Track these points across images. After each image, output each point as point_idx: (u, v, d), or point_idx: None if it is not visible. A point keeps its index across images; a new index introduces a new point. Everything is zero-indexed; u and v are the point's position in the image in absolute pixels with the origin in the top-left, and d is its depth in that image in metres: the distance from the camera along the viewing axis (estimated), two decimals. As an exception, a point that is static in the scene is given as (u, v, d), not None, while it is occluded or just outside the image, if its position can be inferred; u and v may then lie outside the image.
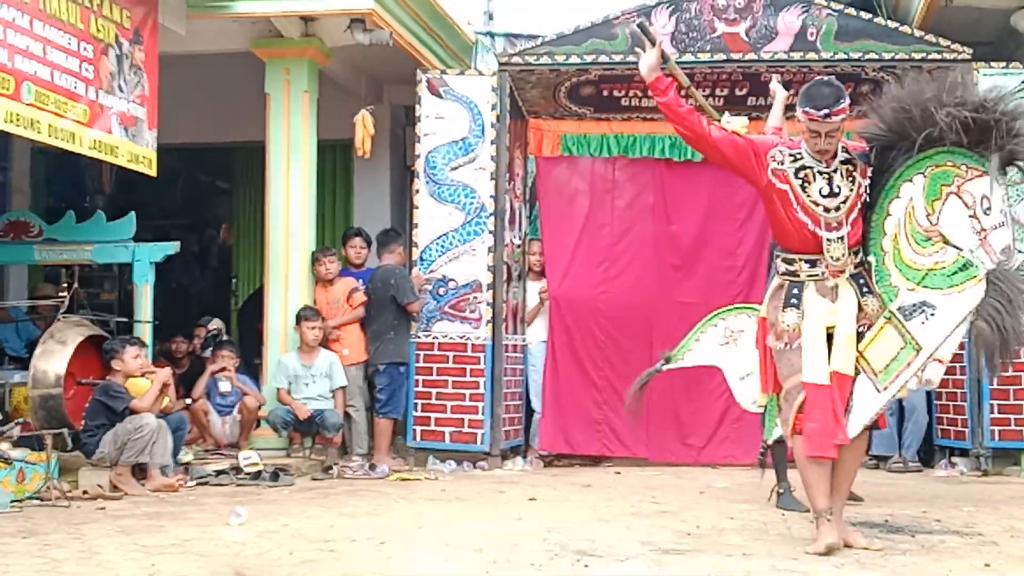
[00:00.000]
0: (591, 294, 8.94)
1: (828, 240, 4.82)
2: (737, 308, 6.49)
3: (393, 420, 8.29)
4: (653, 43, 5.10)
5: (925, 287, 4.71)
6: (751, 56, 8.26)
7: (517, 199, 8.85)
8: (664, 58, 5.12)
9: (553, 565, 4.43)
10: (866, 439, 5.03)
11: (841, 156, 4.89)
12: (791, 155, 4.90)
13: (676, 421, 8.74)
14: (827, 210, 4.83)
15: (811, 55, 8.19)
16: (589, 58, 8.33)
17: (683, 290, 8.86)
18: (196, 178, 12.58)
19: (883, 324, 4.77)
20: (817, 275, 4.86)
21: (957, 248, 4.66)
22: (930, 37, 8.18)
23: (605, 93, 8.75)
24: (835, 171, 4.86)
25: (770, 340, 4.99)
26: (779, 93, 5.89)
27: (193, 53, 8.69)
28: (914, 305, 4.72)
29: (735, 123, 5.12)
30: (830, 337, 4.77)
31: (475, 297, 8.34)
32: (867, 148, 4.95)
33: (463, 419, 8.21)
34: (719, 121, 5.17)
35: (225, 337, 9.60)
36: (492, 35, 10.96)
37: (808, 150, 4.89)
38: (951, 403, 8.29)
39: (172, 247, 8.19)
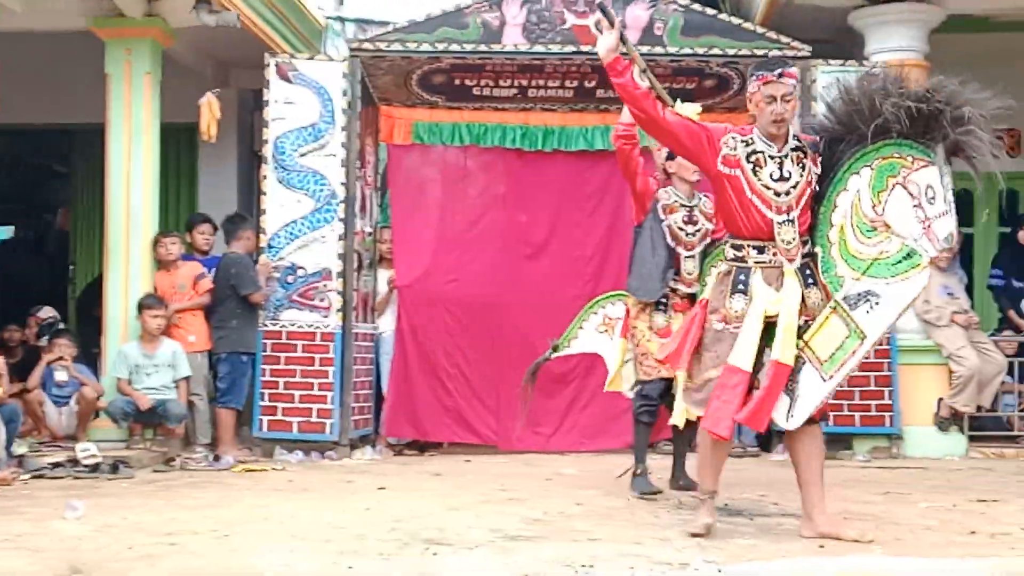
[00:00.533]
0: (441, 283, 8.93)
1: (779, 223, 4.85)
2: (616, 295, 6.66)
3: (234, 410, 8.14)
4: (612, 24, 5.05)
5: (870, 276, 4.77)
6: (600, 48, 8.34)
7: (368, 186, 8.78)
8: (622, 40, 5.09)
9: (402, 554, 4.42)
10: (819, 431, 5.00)
11: (792, 143, 4.93)
12: (742, 140, 4.94)
13: (530, 410, 8.78)
14: (777, 194, 4.86)
15: (658, 49, 8.34)
16: (441, 46, 8.31)
17: (534, 279, 8.93)
18: (31, 161, 12.11)
19: (828, 314, 4.80)
20: (764, 261, 4.88)
21: (901, 237, 4.72)
22: (771, 34, 8.42)
23: (457, 82, 8.74)
24: (786, 156, 4.90)
25: (714, 322, 4.93)
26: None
27: (29, 31, 8.35)
28: (859, 295, 4.77)
29: (688, 109, 5.17)
30: (769, 326, 4.80)
31: (325, 285, 8.23)
32: (817, 140, 5.00)
33: (311, 408, 8.11)
34: (672, 106, 5.19)
35: (62, 326, 9.29)
36: (343, 20, 10.84)
37: (760, 135, 4.93)
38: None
39: (6, 232, 7.87)
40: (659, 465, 6.81)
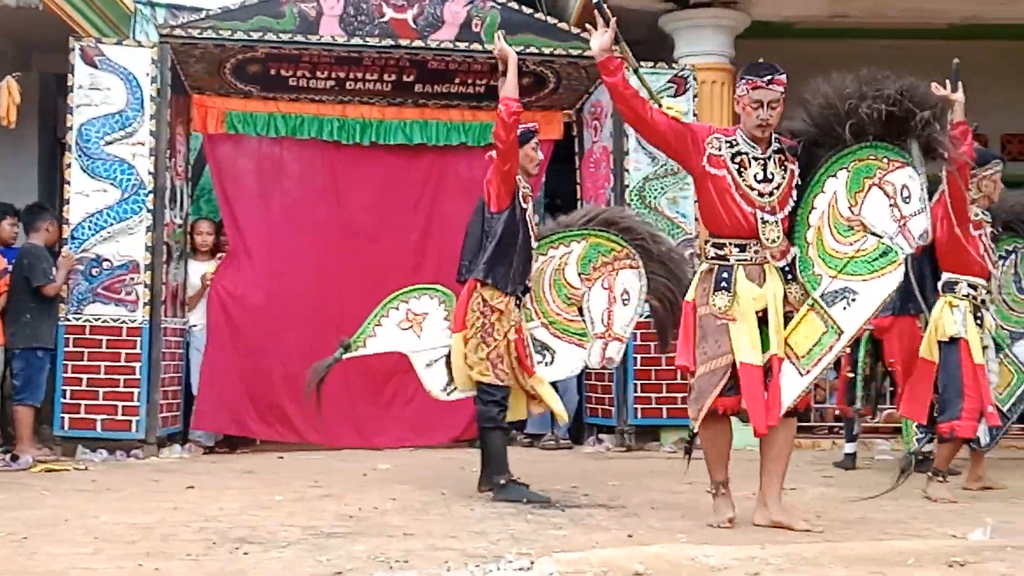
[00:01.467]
0: (260, 277, 8.76)
1: (764, 222, 4.93)
2: (420, 289, 6.36)
3: (31, 407, 7.79)
4: (607, 22, 5.06)
5: (847, 274, 4.88)
6: (418, 43, 8.35)
7: (179, 177, 8.53)
8: (616, 39, 5.10)
9: (211, 554, 4.32)
10: (793, 424, 5.10)
11: (774, 145, 5.02)
12: (727, 141, 5.00)
13: (349, 405, 8.72)
14: (761, 195, 4.95)
15: (475, 46, 8.39)
16: (255, 35, 8.15)
17: (356, 273, 8.84)
18: None
19: (806, 311, 4.92)
20: (746, 259, 4.96)
21: (878, 236, 4.86)
22: (585, 35, 8.56)
23: (272, 72, 8.59)
24: (769, 158, 4.98)
25: (697, 319, 4.99)
26: (511, 57, 6.01)
27: None
28: (836, 292, 4.89)
29: (674, 109, 5.17)
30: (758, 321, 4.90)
31: (132, 278, 7.97)
32: (796, 143, 5.09)
33: (117, 406, 7.83)
34: (660, 105, 5.19)
35: None
36: (153, 5, 10.49)
37: (743, 136, 5.00)
38: (599, 383, 8.76)
39: None
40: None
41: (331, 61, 8.50)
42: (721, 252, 5.00)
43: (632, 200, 8.58)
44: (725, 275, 4.95)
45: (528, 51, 8.44)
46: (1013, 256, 6.81)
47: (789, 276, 5.02)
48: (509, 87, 5.93)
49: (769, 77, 4.95)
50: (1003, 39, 11.00)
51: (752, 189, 4.96)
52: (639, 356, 8.49)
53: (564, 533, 4.79)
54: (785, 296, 4.98)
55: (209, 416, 8.49)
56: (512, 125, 5.88)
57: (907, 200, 4.85)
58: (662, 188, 8.65)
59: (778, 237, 4.96)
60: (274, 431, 8.66)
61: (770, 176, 4.98)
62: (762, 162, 4.98)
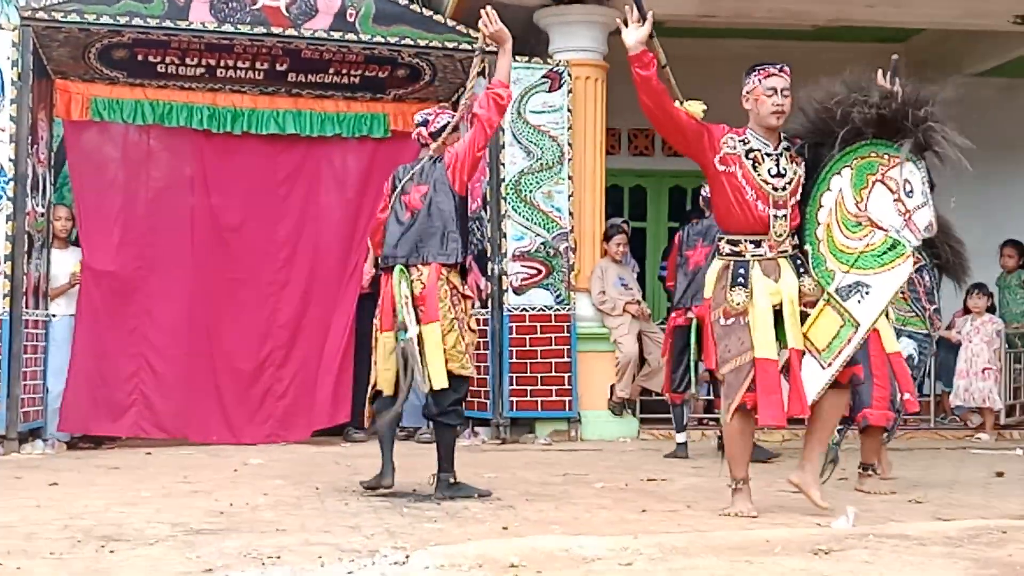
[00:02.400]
0: (126, 268, 8.53)
1: (775, 217, 5.05)
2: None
3: None
4: (644, 17, 5.04)
5: (858, 268, 5.05)
6: (291, 32, 8.24)
7: (41, 164, 8.25)
8: (651, 34, 5.12)
9: (75, 553, 4.20)
10: (845, 394, 5.24)
11: (784, 143, 5.16)
12: (740, 140, 5.13)
13: (218, 400, 8.57)
14: (775, 189, 5.07)
15: (350, 36, 8.32)
16: (122, 20, 7.94)
17: (223, 265, 8.70)
18: None
19: (823, 306, 5.04)
20: (761, 255, 5.05)
21: (884, 230, 5.01)
22: (461, 28, 8.58)
23: (140, 58, 8.37)
24: (780, 154, 5.12)
25: (716, 318, 5.08)
26: (508, 40, 6.02)
27: None
28: (849, 286, 5.04)
29: (694, 107, 5.18)
30: (775, 315, 4.97)
31: (-9, 269, 7.69)
32: (801, 143, 5.22)
33: (-25, 401, 7.56)
34: (682, 103, 5.19)
35: None
36: (14, -14, 10.15)
37: (755, 133, 5.13)
38: (475, 376, 8.77)
39: None
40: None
41: (201, 48, 8.33)
42: (736, 248, 5.11)
43: (508, 194, 8.62)
44: (741, 271, 5.07)
45: (403, 43, 8.42)
46: None
47: (801, 269, 5.16)
48: (504, 71, 5.98)
49: (780, 66, 5.19)
50: (867, 41, 11.37)
51: (767, 184, 5.10)
52: (514, 349, 8.54)
53: (439, 526, 4.79)
54: (799, 290, 5.13)
55: (76, 414, 8.22)
56: (504, 111, 6.02)
57: (910, 194, 5.05)
58: (537, 182, 8.71)
59: (784, 231, 5.11)
60: (139, 427, 8.44)
61: (782, 171, 5.14)
62: (774, 158, 5.15)
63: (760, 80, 5.15)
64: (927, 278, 6.72)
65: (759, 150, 5.13)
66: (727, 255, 5.13)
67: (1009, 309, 9.85)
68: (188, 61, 8.45)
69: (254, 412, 8.63)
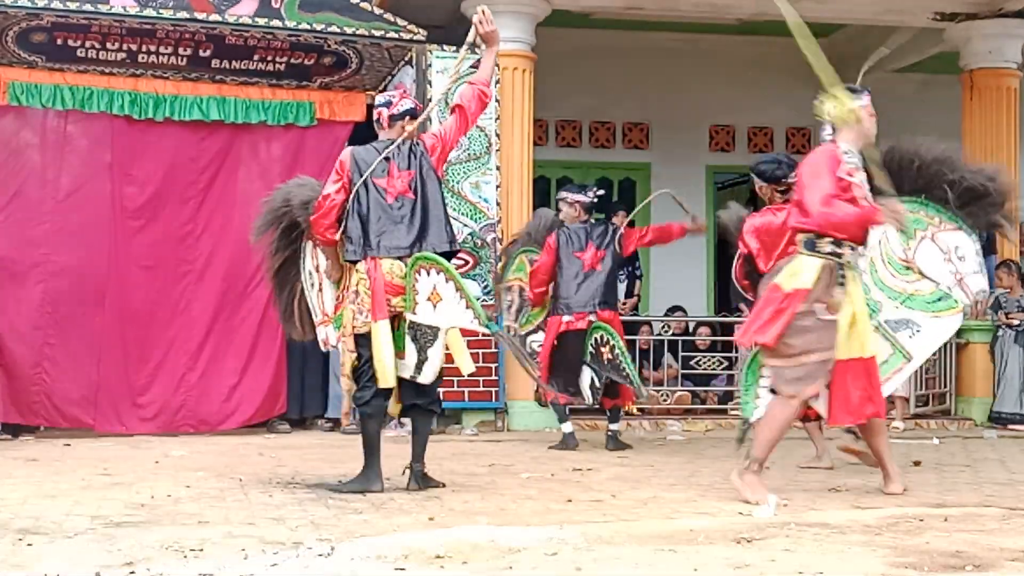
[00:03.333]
0: (37, 255, 8.36)
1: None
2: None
3: None
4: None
5: (908, 307, 5.60)
6: (215, 18, 8.13)
7: (-46, 150, 8.06)
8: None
9: (-9, 547, 4.11)
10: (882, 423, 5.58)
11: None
12: (845, 152, 5.34)
13: (129, 389, 8.44)
14: (865, 199, 5.34)
15: (275, 22, 8.23)
16: (41, 3, 7.76)
17: (140, 252, 8.57)
18: None
19: (873, 329, 5.39)
20: (852, 261, 5.31)
21: (934, 282, 5.55)
22: (388, 16, 8.53)
23: (59, 42, 8.19)
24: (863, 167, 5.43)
25: (810, 309, 5.17)
26: (497, 42, 6.03)
27: None
28: (899, 321, 5.55)
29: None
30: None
31: (-98, 257, 7.49)
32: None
33: None
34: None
35: None
36: (-73, -34, 9.86)
37: (850, 147, 5.36)
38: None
39: None
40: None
41: (122, 32, 8.18)
42: (839, 250, 5.26)
43: (434, 184, 8.59)
44: (841, 272, 5.27)
45: (329, 30, 8.35)
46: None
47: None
48: (488, 70, 5.97)
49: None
50: (789, 35, 11.48)
51: (864, 196, 5.37)
52: (440, 339, 8.51)
53: (365, 518, 4.77)
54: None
55: None
56: (485, 109, 6.00)
57: (962, 259, 5.60)
58: (465, 172, 8.69)
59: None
60: (46, 417, 8.30)
61: (867, 183, 5.45)
62: (862, 170, 5.42)
63: (868, 101, 5.48)
64: None
65: (854, 163, 5.38)
66: (827, 254, 5.25)
67: (936, 302, 10.06)
68: (109, 46, 8.29)
69: (167, 402, 8.50)
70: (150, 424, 8.41)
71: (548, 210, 8.36)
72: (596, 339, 7.36)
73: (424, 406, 5.66)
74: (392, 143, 5.64)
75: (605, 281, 7.55)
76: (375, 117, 5.81)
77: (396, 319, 5.52)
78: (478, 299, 8.48)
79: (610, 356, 7.29)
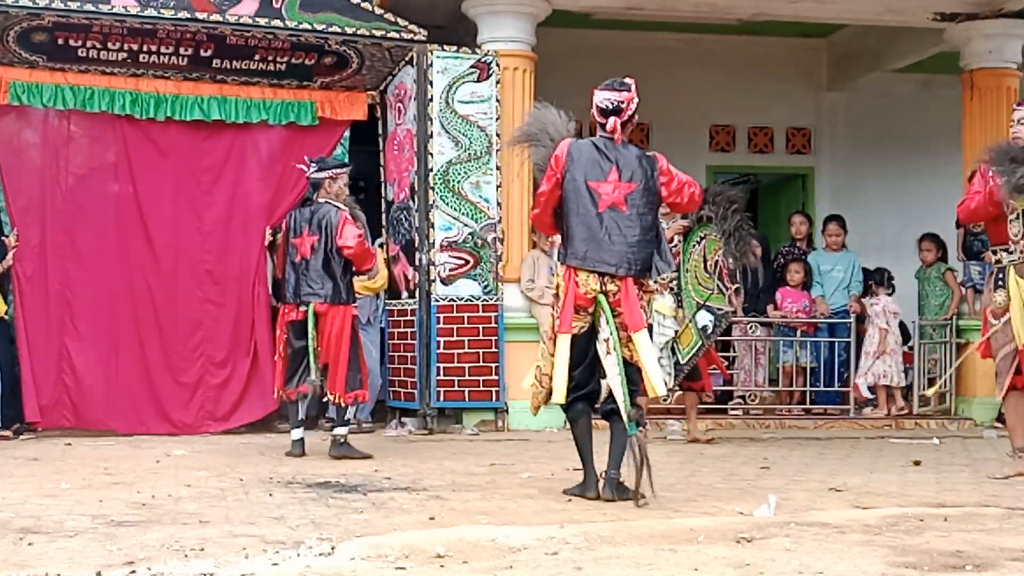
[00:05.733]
0: (46, 258, 8.36)
1: (1010, 220, 6.01)
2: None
3: None
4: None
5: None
6: (216, 18, 8.13)
7: (-45, 150, 8.06)
8: None
9: (-8, 546, 4.12)
10: None
11: None
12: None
13: (151, 391, 8.45)
14: None
15: (276, 22, 8.23)
16: (42, 2, 7.76)
17: (148, 253, 8.55)
18: None
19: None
20: (1016, 259, 6.01)
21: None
22: (389, 16, 8.53)
23: (60, 42, 8.19)
24: None
25: (990, 316, 6.14)
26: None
27: None
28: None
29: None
30: None
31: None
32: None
33: None
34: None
35: None
36: (-72, -35, 9.86)
37: None
38: (402, 366, 8.76)
39: None
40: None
41: (124, 32, 8.18)
42: (996, 257, 6.19)
43: (436, 184, 8.60)
44: (1000, 275, 6.08)
45: (330, 30, 8.35)
46: (702, 243, 7.88)
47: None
48: None
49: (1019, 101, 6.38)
50: (789, 35, 11.53)
51: None
52: (442, 339, 8.53)
53: (366, 517, 4.78)
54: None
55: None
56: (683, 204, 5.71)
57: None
58: (465, 172, 8.70)
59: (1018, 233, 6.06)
60: (63, 418, 8.31)
61: None
62: None
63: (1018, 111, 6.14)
64: (730, 261, 7.72)
65: None
66: (996, 262, 6.19)
67: (928, 302, 10.06)
68: (110, 46, 8.29)
69: (187, 402, 8.52)
70: (168, 424, 8.41)
71: None
72: None
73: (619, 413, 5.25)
74: (611, 149, 5.30)
75: None
76: (606, 123, 5.34)
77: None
78: (473, 299, 8.56)
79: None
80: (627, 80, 5.44)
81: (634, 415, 5.11)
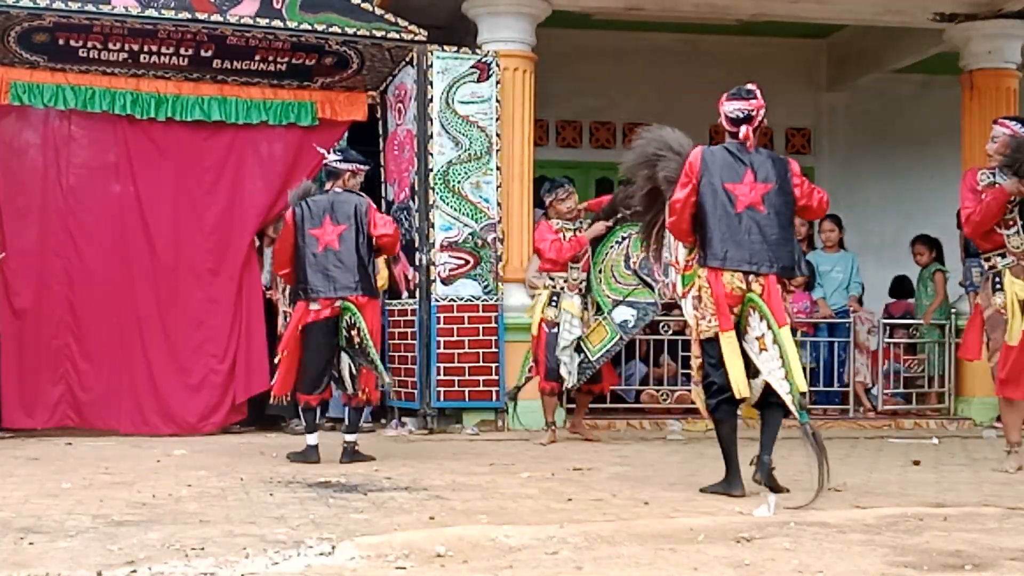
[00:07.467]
0: (46, 258, 8.36)
1: (1007, 235, 6.33)
2: None
3: None
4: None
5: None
6: (216, 18, 8.14)
7: (-46, 150, 8.06)
8: None
9: (-7, 546, 4.13)
10: None
11: None
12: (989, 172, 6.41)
13: (155, 391, 8.45)
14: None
15: (276, 23, 8.24)
16: (43, 3, 7.77)
17: (150, 253, 8.55)
18: None
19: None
20: (1010, 263, 6.31)
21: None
22: (389, 17, 8.54)
23: (61, 42, 8.19)
24: None
25: (988, 316, 6.43)
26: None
27: None
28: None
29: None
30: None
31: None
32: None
33: None
34: None
35: None
36: (-72, -34, 9.86)
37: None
38: (402, 366, 8.77)
39: None
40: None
41: (124, 33, 8.18)
42: (990, 262, 6.42)
43: (436, 184, 8.61)
44: (997, 279, 6.37)
45: (331, 31, 8.36)
46: (626, 241, 8.05)
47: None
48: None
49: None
50: (789, 36, 11.53)
51: None
52: (442, 339, 8.54)
53: (366, 517, 4.79)
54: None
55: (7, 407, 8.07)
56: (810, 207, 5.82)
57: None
58: (466, 172, 8.70)
59: (1021, 243, 6.34)
60: (65, 418, 8.32)
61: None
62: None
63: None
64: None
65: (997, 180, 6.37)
66: (989, 267, 6.47)
67: (922, 302, 10.07)
68: (111, 46, 8.29)
69: (192, 401, 8.52)
70: (173, 423, 8.41)
71: None
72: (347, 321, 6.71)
73: (775, 402, 5.34)
74: (736, 151, 5.44)
75: None
76: (744, 133, 5.46)
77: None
78: (473, 299, 8.56)
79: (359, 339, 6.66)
80: (751, 87, 5.58)
81: (804, 403, 5.19)
